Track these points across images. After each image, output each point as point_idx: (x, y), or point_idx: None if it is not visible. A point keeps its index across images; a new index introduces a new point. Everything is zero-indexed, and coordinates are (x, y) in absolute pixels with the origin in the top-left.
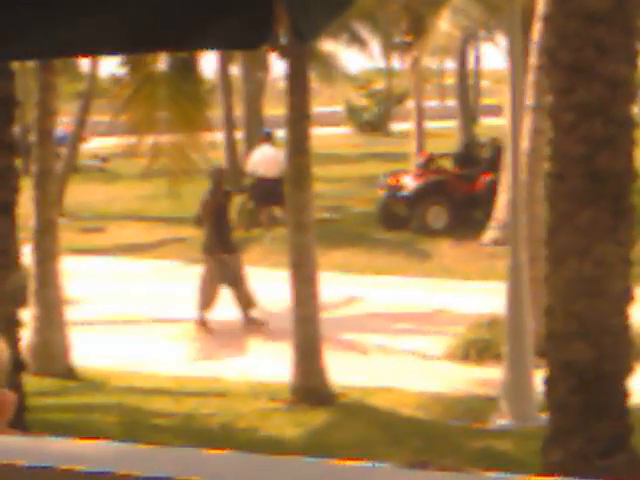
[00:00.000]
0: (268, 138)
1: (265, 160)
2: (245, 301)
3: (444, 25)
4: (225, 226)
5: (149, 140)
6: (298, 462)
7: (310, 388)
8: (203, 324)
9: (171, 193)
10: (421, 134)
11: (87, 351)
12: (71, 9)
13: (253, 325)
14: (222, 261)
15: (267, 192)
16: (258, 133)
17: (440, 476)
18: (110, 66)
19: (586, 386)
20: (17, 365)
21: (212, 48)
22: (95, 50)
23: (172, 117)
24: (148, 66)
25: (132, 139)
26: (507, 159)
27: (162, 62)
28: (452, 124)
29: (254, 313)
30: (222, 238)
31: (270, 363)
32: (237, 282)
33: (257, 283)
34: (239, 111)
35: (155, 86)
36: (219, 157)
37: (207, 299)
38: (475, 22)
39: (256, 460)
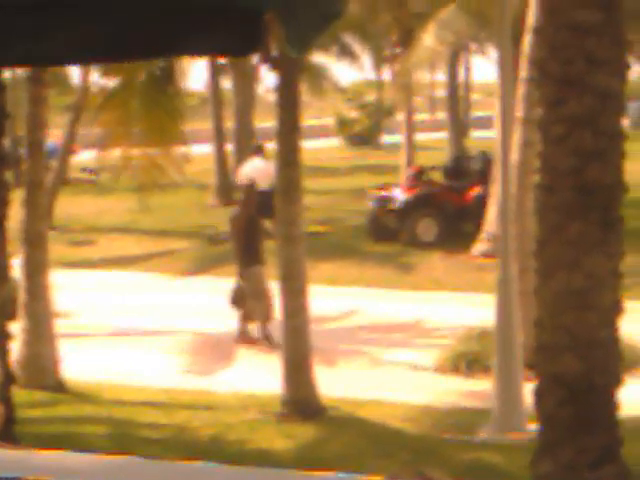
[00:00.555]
0: (259, 150)
1: (255, 172)
2: (264, 315)
3: (429, 40)
4: (257, 239)
5: (117, 152)
6: (286, 474)
7: (300, 400)
8: (248, 339)
9: (144, 207)
10: (411, 146)
11: (77, 364)
12: (58, 17)
13: (265, 341)
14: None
15: (258, 204)
16: (249, 145)
17: None
18: (100, 78)
19: (575, 398)
20: (6, 378)
21: (202, 54)
22: (82, 58)
23: (145, 128)
24: (129, 74)
25: (102, 151)
26: (497, 172)
27: (141, 72)
28: (442, 136)
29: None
30: (253, 251)
31: (261, 375)
32: (260, 295)
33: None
34: (230, 123)
35: (129, 95)
36: (207, 170)
37: (265, 310)
38: (463, 35)
39: (245, 472)
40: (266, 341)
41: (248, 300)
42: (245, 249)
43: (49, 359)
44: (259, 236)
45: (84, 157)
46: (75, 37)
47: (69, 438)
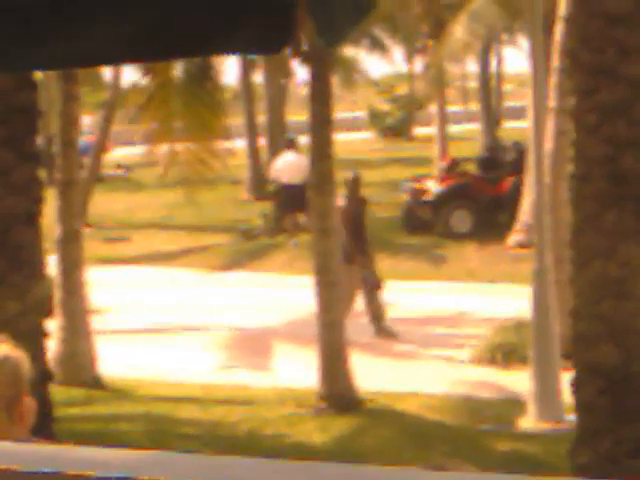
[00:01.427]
0: (291, 144)
1: (288, 166)
2: (379, 311)
3: (460, 31)
4: (362, 234)
5: (164, 148)
6: (323, 466)
7: (337, 394)
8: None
9: (190, 202)
10: (444, 138)
11: (114, 361)
12: (89, 18)
13: (385, 335)
14: (360, 269)
15: (291, 198)
16: (281, 140)
17: (459, 476)
18: (132, 75)
19: (613, 387)
20: (44, 375)
21: (234, 53)
22: (114, 59)
23: (188, 125)
24: (165, 73)
25: (148, 148)
26: (531, 161)
27: (178, 69)
28: (475, 128)
29: (385, 323)
30: (360, 246)
31: (298, 369)
32: (373, 291)
33: (281, 290)
34: (262, 118)
35: (169, 93)
36: (240, 165)
37: (347, 305)
38: (495, 26)
39: (282, 466)
40: (387, 335)
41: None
42: (352, 243)
43: (86, 356)
44: (364, 231)
45: (117, 154)
46: (106, 38)
47: (107, 435)
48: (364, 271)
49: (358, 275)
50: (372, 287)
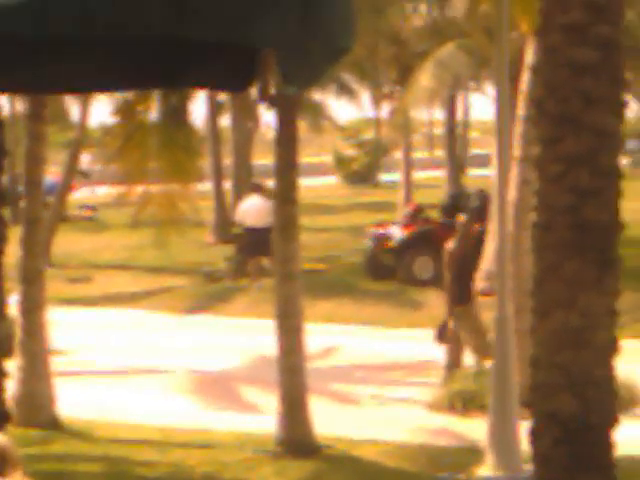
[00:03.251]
0: (257, 188)
1: (253, 210)
2: (484, 350)
3: (427, 79)
4: (469, 275)
5: (138, 189)
6: None
7: (295, 439)
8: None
9: (159, 243)
10: (409, 184)
11: (73, 402)
12: (58, 48)
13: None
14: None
15: (255, 242)
16: (247, 183)
17: None
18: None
19: (571, 437)
20: (2, 416)
21: (200, 87)
22: (81, 87)
23: (163, 167)
24: (139, 115)
25: (122, 188)
26: (494, 209)
27: (153, 111)
28: (440, 174)
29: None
30: (465, 287)
31: (257, 413)
32: (478, 331)
33: (243, 333)
34: (228, 161)
35: (146, 135)
36: (205, 207)
37: (483, 346)
38: (462, 74)
39: None
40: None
41: (463, 337)
42: (457, 285)
43: (45, 397)
44: (471, 273)
45: (82, 194)
46: (75, 67)
47: (64, 476)
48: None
49: (476, 312)
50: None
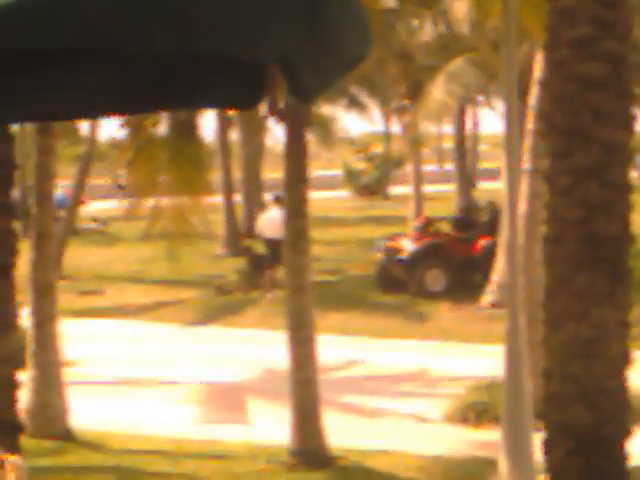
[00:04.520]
0: (278, 200)
1: (273, 221)
2: None
3: (437, 92)
4: None
5: (149, 203)
6: None
7: (308, 450)
8: None
9: (170, 256)
10: (419, 198)
11: (85, 413)
12: (71, 73)
13: None
14: None
15: (273, 252)
16: (257, 196)
17: None
18: (109, 129)
19: (584, 449)
20: (15, 427)
21: (210, 108)
22: (97, 113)
23: (173, 180)
24: (148, 129)
25: (132, 202)
26: (505, 222)
27: (162, 125)
28: (450, 188)
29: None
30: None
31: (270, 424)
32: None
33: (254, 345)
34: (238, 175)
35: (156, 149)
36: (215, 220)
37: None
38: (471, 88)
39: None
40: None
41: None
42: None
43: (57, 408)
44: None
45: (93, 208)
46: (88, 93)
47: None
48: None
49: None
50: None
